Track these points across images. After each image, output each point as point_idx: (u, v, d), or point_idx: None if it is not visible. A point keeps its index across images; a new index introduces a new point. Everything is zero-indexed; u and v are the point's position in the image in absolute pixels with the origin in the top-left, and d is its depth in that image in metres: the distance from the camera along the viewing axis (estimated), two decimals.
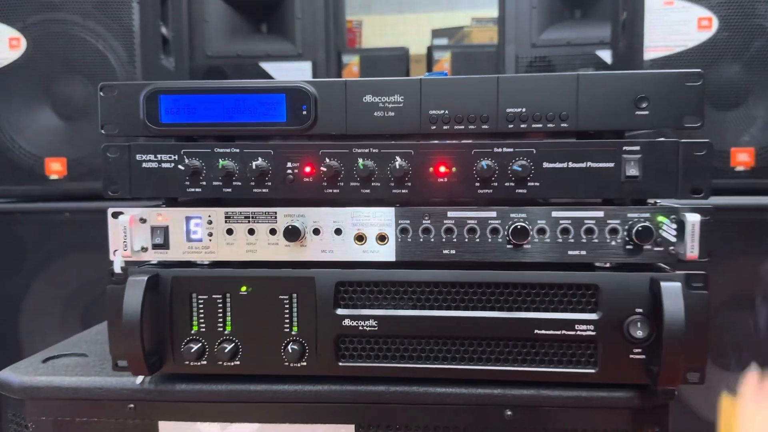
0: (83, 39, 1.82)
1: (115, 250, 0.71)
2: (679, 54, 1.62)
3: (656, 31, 1.63)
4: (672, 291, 0.65)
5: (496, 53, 2.28)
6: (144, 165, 0.71)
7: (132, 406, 0.74)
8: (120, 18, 1.80)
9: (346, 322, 0.71)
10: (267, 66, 2.44)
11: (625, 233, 0.68)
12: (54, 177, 1.85)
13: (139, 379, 0.74)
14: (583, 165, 0.68)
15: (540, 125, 0.68)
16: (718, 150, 1.60)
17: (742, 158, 1.62)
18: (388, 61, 3.00)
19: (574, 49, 2.17)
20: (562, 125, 0.68)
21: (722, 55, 1.59)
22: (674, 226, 0.67)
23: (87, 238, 1.82)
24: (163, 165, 0.71)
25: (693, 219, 0.66)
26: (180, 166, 0.71)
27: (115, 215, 0.71)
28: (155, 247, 0.72)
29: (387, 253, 0.71)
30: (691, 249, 0.66)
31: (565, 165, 0.68)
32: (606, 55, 2.09)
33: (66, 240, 1.85)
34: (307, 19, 2.42)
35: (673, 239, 0.67)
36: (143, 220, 0.71)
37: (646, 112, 0.67)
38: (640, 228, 0.66)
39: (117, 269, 0.71)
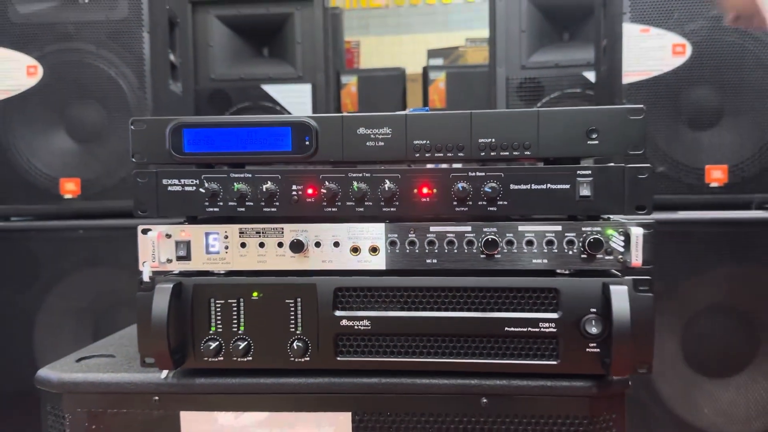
0: (97, 66, 1.92)
1: (144, 262, 0.82)
2: (656, 78, 1.72)
3: (633, 56, 1.74)
4: (620, 293, 0.76)
5: (488, 75, 2.37)
6: (169, 188, 0.83)
7: (157, 398, 0.85)
8: (131, 47, 1.90)
9: (344, 322, 0.82)
10: (268, 88, 2.52)
11: (580, 244, 0.79)
12: (68, 196, 1.94)
13: (164, 373, 0.85)
14: (543, 186, 0.80)
15: (507, 153, 0.80)
16: (693, 167, 1.71)
17: (716, 175, 1.73)
18: (386, 81, 3.08)
19: (562, 71, 2.25)
20: (526, 153, 0.79)
21: (696, 78, 1.70)
22: (622, 238, 0.78)
23: (99, 255, 1.91)
24: (186, 188, 0.82)
25: (637, 232, 0.77)
26: (201, 189, 0.82)
27: (145, 231, 0.82)
28: (179, 258, 0.83)
29: (378, 262, 0.82)
30: (636, 257, 0.77)
31: (528, 186, 0.80)
32: (592, 76, 2.18)
33: (79, 256, 1.93)
34: (306, 44, 2.49)
35: (621, 249, 0.79)
36: (168, 236, 0.83)
37: (597, 142, 0.79)
38: (592, 240, 0.78)
39: (146, 278, 0.82)
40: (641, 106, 0.79)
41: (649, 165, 0.78)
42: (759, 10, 1.40)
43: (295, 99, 2.53)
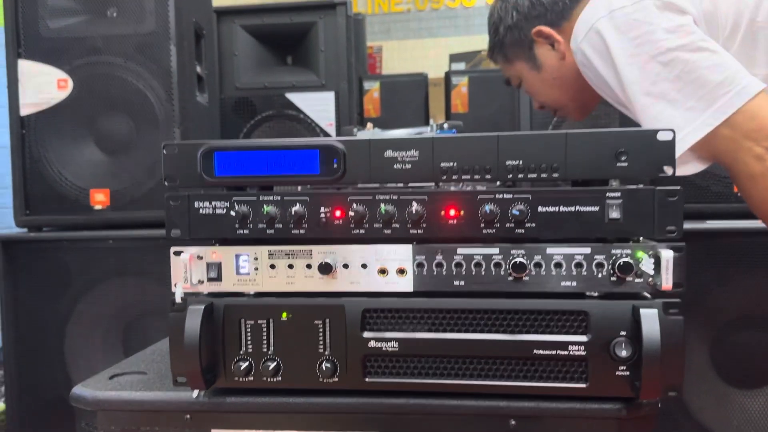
0: (125, 79, 1.95)
1: (176, 283, 0.84)
2: None
3: None
4: (650, 317, 0.76)
5: None
6: (201, 211, 0.84)
7: (188, 416, 0.86)
8: (159, 59, 1.93)
9: (372, 343, 0.83)
10: (292, 96, 2.53)
11: (610, 267, 0.79)
12: (98, 207, 1.98)
13: (195, 393, 0.86)
14: (572, 209, 0.79)
15: (534, 175, 0.80)
16: (721, 176, 1.69)
17: None
18: (408, 86, 3.08)
19: None
20: (554, 175, 0.79)
21: None
22: (652, 260, 0.78)
23: (128, 265, 1.94)
24: (217, 211, 0.84)
25: (667, 255, 0.77)
26: (231, 212, 0.83)
27: (177, 253, 0.84)
28: (210, 280, 0.84)
29: (406, 284, 0.82)
30: (666, 281, 0.77)
31: (557, 209, 0.80)
32: None
33: (109, 266, 1.97)
34: (330, 51, 2.50)
35: (651, 272, 0.78)
36: (200, 257, 0.84)
37: (626, 164, 0.78)
38: (622, 263, 0.77)
39: (178, 299, 0.84)
40: (671, 129, 0.78)
41: (679, 187, 0.78)
42: (567, 104, 1.41)
43: (319, 107, 2.54)
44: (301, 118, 2.49)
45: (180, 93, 1.95)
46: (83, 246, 1.97)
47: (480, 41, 4.53)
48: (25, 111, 1.99)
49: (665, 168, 0.78)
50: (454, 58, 4.15)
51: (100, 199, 1.98)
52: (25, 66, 1.99)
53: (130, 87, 1.94)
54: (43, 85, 1.98)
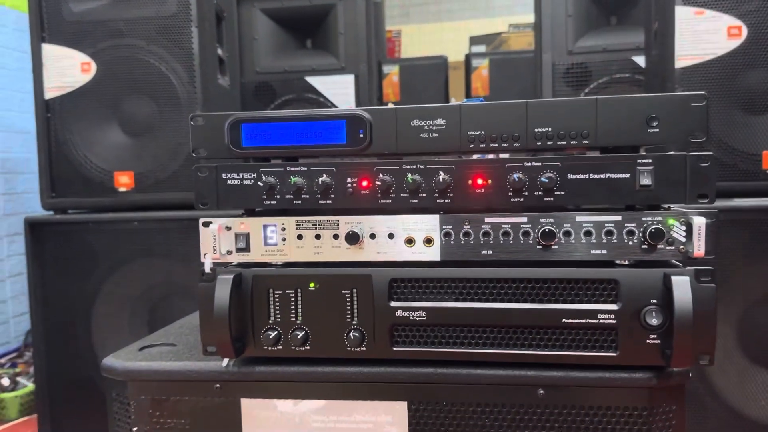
0: (147, 62, 1.97)
1: (206, 254, 0.85)
2: (710, 62, 1.67)
3: (687, 40, 1.68)
4: (681, 284, 0.75)
5: (534, 61, 2.33)
6: (229, 182, 0.85)
7: (218, 385, 0.87)
8: (181, 42, 1.94)
9: (399, 313, 0.83)
10: (312, 80, 2.54)
11: (641, 234, 0.78)
12: (123, 189, 2.00)
13: (225, 362, 0.87)
14: (602, 176, 0.78)
15: (564, 142, 0.79)
16: (749, 153, 1.66)
17: None
18: (428, 70, 3.06)
19: (610, 56, 2.19)
20: (584, 142, 0.78)
21: (752, 61, 1.64)
22: (683, 227, 0.77)
23: (153, 245, 1.97)
24: (245, 182, 0.84)
25: (699, 221, 0.76)
26: (259, 183, 0.84)
27: (206, 224, 0.84)
28: (238, 250, 0.85)
29: (433, 253, 0.82)
30: (698, 247, 0.76)
31: (586, 176, 0.79)
32: (642, 60, 2.12)
33: (134, 247, 1.99)
34: (349, 34, 2.50)
35: (683, 239, 0.77)
36: (228, 228, 0.85)
37: (657, 130, 0.77)
38: (653, 230, 0.76)
39: (207, 269, 0.84)
40: (703, 92, 0.77)
41: (711, 153, 0.76)
42: None
43: (339, 90, 2.54)
44: (321, 102, 2.50)
45: (202, 75, 1.96)
46: (108, 228, 2.00)
47: (501, 23, 4.48)
48: (49, 94, 2.01)
49: (697, 133, 0.77)
50: (474, 40, 4.10)
51: (124, 181, 2.00)
52: (48, 50, 2.01)
53: (153, 69, 1.96)
54: (67, 69, 2.01)
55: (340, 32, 2.54)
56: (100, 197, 2.00)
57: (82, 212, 2.06)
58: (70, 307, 2.02)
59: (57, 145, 1.99)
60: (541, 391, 0.82)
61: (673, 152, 0.77)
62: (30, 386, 2.41)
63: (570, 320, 0.80)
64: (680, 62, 1.70)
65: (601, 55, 2.20)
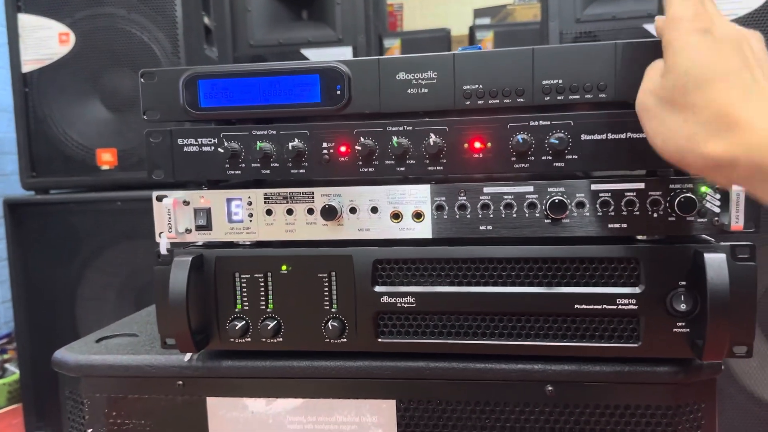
0: (129, 32, 1.86)
1: (161, 233, 0.74)
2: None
3: None
4: (716, 263, 0.63)
5: (540, 30, 2.23)
6: (186, 149, 0.73)
7: (181, 383, 0.77)
8: (163, 10, 1.84)
9: (384, 299, 0.71)
10: (308, 53, 2.45)
11: (667, 205, 0.66)
12: (105, 167, 1.91)
13: (187, 356, 0.76)
14: (622, 136, 0.66)
15: (577, 96, 0.67)
16: None
17: None
18: (430, 43, 2.96)
19: (619, 23, 2.09)
20: (600, 96, 0.66)
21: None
22: (718, 196, 0.65)
23: (138, 226, 1.87)
24: (204, 149, 0.73)
25: (738, 188, 0.64)
26: (220, 149, 0.72)
27: (159, 198, 0.73)
28: (198, 228, 0.73)
29: (423, 230, 0.71)
30: (736, 219, 0.64)
31: (603, 136, 0.67)
32: (653, 28, 2.03)
33: (118, 228, 1.91)
34: (346, 5, 2.41)
35: (717, 210, 0.65)
36: (186, 203, 0.73)
37: None
38: (682, 199, 0.65)
39: (163, 251, 0.73)
40: None
41: None
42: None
43: None
44: None
45: (186, 45, 1.85)
46: (91, 208, 1.92)
47: None
48: (26, 68, 1.91)
49: None
50: (478, 13, 3.98)
51: (107, 159, 1.91)
52: (25, 20, 1.90)
53: (135, 39, 1.85)
54: (44, 40, 1.90)
55: (336, 2, 2.44)
56: (82, 176, 1.91)
57: (64, 192, 1.98)
58: (53, 290, 1.94)
59: (36, 122, 1.90)
60: (550, 388, 0.71)
61: None
62: (15, 374, 2.33)
63: (583, 306, 0.68)
64: None
65: (611, 23, 2.10)
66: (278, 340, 0.74)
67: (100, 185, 1.91)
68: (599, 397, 0.71)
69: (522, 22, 3.33)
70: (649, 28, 2.05)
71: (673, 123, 0.54)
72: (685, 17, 0.54)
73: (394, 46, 2.97)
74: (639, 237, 0.68)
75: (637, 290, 0.67)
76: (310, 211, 0.72)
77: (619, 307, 0.67)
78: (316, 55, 2.45)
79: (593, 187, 0.67)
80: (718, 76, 0.51)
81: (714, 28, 0.54)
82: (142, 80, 0.73)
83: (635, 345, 0.68)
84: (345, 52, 2.43)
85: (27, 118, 1.89)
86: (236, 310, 0.74)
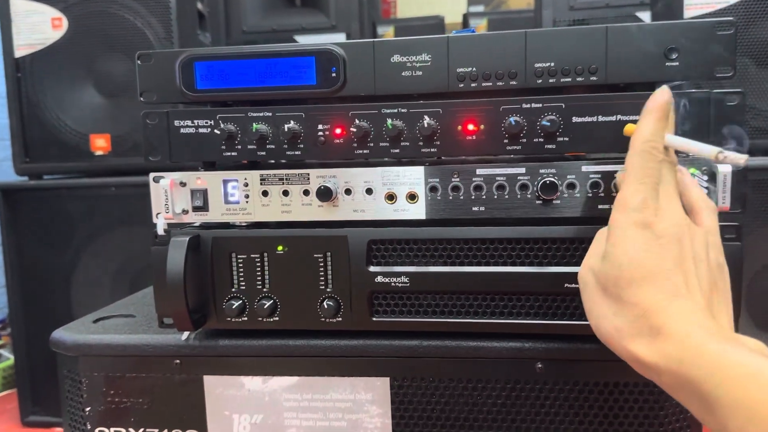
0: (122, 17, 1.86)
1: (158, 213, 0.74)
2: (721, 11, 1.57)
3: None
4: None
5: (534, 18, 2.24)
6: (182, 131, 0.74)
7: (178, 361, 0.78)
8: None
9: (379, 278, 0.73)
10: (302, 39, 2.46)
11: None
12: (99, 153, 1.91)
13: (185, 335, 0.77)
14: (613, 118, 0.68)
15: (569, 79, 0.68)
16: (761, 110, 1.55)
17: None
18: (423, 30, 2.96)
19: (613, 11, 2.12)
20: (591, 78, 0.67)
21: (766, 10, 1.54)
22: (706, 177, 0.66)
23: (133, 212, 1.88)
24: (200, 130, 0.73)
25: (725, 170, 0.65)
26: (216, 131, 0.73)
27: (156, 179, 0.74)
28: (195, 209, 0.74)
29: (417, 211, 0.72)
30: (723, 200, 0.65)
31: (594, 119, 0.68)
32: (646, 17, 2.04)
33: (113, 214, 1.91)
34: None
35: (705, 191, 0.67)
36: (183, 184, 0.74)
37: (677, 63, 0.66)
38: None
39: (160, 231, 0.74)
40: (731, 18, 0.66)
41: (740, 90, 0.65)
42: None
43: None
44: None
45: (180, 30, 1.85)
46: (85, 194, 1.92)
47: None
48: (19, 53, 1.90)
49: (723, 67, 0.66)
50: (472, 0, 3.97)
51: (100, 144, 1.91)
52: (17, 4, 1.89)
53: (127, 24, 1.85)
54: (37, 25, 1.89)
55: None
56: (76, 161, 1.91)
57: (58, 177, 1.97)
58: (49, 276, 1.95)
59: (29, 107, 1.89)
60: (540, 365, 0.72)
61: (694, 90, 0.66)
62: (9, 359, 2.34)
63: (574, 285, 0.69)
64: (689, 11, 1.60)
65: (604, 11, 2.13)
66: (274, 319, 0.75)
67: (93, 171, 1.91)
68: (588, 375, 0.72)
69: (516, 10, 3.33)
70: (643, 16, 2.06)
71: (606, 310, 0.54)
72: (630, 205, 0.54)
73: (387, 33, 2.97)
74: None
75: None
76: (306, 193, 0.73)
77: None
78: (310, 42, 2.44)
79: (584, 168, 0.68)
80: (648, 276, 0.51)
81: (656, 223, 0.53)
82: (138, 62, 0.74)
83: None
84: (338, 39, 2.43)
85: (20, 104, 1.89)
86: (233, 289, 0.75)
